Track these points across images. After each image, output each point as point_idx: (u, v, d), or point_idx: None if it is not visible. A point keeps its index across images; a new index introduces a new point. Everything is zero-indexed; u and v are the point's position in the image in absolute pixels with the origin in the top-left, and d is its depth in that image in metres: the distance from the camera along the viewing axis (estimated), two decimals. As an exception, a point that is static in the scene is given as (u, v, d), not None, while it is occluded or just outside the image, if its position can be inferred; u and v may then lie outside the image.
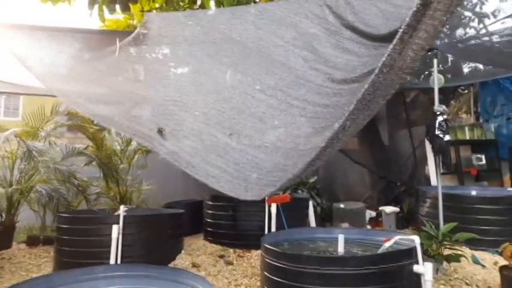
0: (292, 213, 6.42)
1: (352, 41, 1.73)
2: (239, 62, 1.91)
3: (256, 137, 1.72)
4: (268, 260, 4.05)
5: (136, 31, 2.21)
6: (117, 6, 4.23)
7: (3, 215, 6.55)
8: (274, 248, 4.02)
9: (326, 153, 1.42)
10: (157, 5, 5.68)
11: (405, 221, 7.53)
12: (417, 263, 3.59)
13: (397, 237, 4.07)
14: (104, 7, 3.68)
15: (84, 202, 6.99)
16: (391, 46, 1.46)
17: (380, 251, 4.04)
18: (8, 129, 6.41)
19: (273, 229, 6.01)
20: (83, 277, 3.69)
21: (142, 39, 2.15)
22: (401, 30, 1.49)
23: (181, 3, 5.50)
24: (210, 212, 7.11)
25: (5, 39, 3.02)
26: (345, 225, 7.39)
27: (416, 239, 3.69)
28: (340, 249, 4.55)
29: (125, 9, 3.65)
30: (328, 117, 1.59)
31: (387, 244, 4.04)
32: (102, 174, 6.96)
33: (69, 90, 2.28)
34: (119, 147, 7.12)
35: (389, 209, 7.00)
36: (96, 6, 3.77)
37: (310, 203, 7.01)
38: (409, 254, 3.69)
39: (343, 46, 1.74)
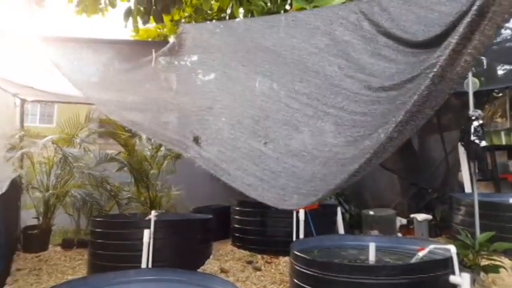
0: (320, 220, 6.36)
1: (389, 47, 1.70)
2: (273, 71, 1.92)
3: (292, 146, 1.71)
4: (298, 267, 4.02)
5: (171, 42, 2.26)
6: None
7: (40, 219, 6.82)
8: (305, 256, 3.99)
9: (371, 164, 1.40)
10: (186, 14, 5.82)
11: (438, 229, 7.29)
12: (453, 273, 3.46)
13: (431, 246, 3.95)
14: (138, 18, 3.82)
15: (116, 206, 7.19)
16: (443, 57, 1.43)
17: (414, 260, 3.93)
18: (44, 136, 6.69)
19: (301, 236, 5.97)
20: (117, 280, 3.80)
21: (178, 50, 2.21)
22: (454, 40, 1.45)
23: (209, 12, 5.60)
24: (237, 217, 7.16)
25: (45, 50, 3.15)
26: (375, 232, 7.24)
27: (452, 249, 3.56)
28: (372, 257, 4.47)
29: (159, 20, 3.78)
30: (366, 125, 1.57)
31: (421, 253, 3.93)
32: (133, 180, 7.14)
33: (105, 98, 2.37)
34: (149, 153, 7.30)
35: (421, 216, 6.80)
36: (131, 18, 3.92)
37: (339, 209, 6.92)
38: (444, 264, 3.57)
39: (379, 53, 1.71)
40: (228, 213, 8.18)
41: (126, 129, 7.58)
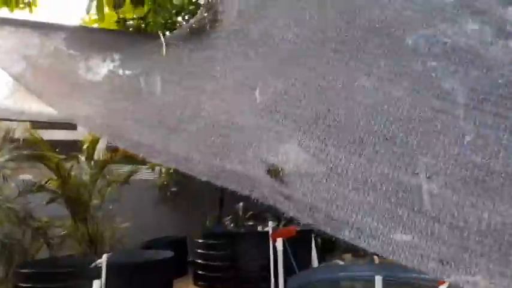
0: (296, 249, 5.65)
1: None
2: (391, 62, 1.22)
3: (477, 175, 0.99)
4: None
5: (198, 15, 1.44)
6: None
7: None
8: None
9: None
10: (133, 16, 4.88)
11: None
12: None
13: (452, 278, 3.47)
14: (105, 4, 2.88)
15: (44, 247, 5.73)
16: None
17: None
18: None
19: (280, 269, 5.21)
20: None
21: (211, 27, 1.39)
22: None
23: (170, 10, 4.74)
24: (200, 251, 6.15)
25: None
26: (347, 256, 6.74)
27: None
28: (382, 294, 3.86)
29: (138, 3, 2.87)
30: None
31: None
32: (69, 212, 5.77)
33: (90, 113, 1.43)
34: (88, 179, 5.98)
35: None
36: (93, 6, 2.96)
37: (312, 236, 6.27)
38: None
39: None
40: (184, 246, 7.13)
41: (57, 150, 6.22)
